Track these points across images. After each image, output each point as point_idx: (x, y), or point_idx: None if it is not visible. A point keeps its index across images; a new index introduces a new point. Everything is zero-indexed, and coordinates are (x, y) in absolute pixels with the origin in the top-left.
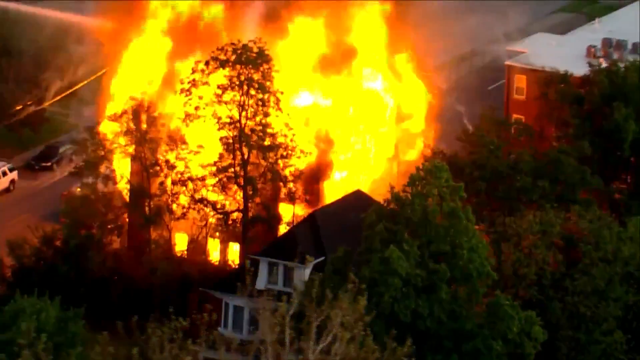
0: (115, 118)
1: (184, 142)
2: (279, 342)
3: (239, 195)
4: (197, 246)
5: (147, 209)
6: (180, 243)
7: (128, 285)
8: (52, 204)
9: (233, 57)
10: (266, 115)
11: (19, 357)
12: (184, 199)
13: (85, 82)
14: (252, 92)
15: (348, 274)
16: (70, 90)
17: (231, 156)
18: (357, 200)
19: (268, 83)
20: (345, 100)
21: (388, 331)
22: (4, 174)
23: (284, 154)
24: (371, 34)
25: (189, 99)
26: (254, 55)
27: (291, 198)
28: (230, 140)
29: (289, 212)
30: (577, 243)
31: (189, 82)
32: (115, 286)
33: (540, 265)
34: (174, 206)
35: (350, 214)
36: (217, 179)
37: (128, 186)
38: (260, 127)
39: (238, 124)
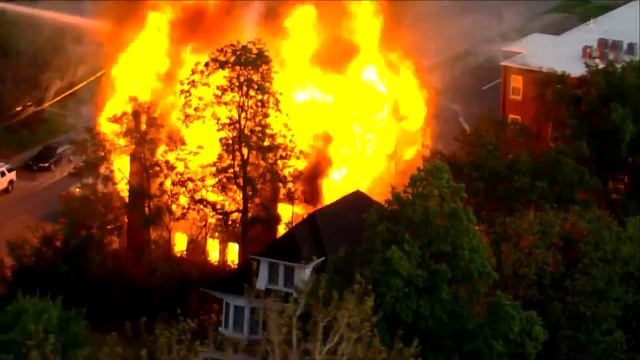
0: (115, 119)
1: (184, 143)
2: (285, 342)
3: (239, 195)
4: (196, 246)
5: (146, 209)
6: (180, 243)
7: (128, 285)
8: (50, 204)
9: (232, 59)
10: (265, 116)
11: (27, 357)
12: (183, 200)
13: (85, 82)
14: (252, 93)
15: (351, 275)
16: (70, 91)
17: (231, 157)
18: (356, 201)
19: (267, 84)
20: (344, 97)
21: (390, 331)
22: (2, 174)
23: (283, 154)
24: (367, 32)
25: (189, 100)
26: (254, 56)
27: (290, 198)
28: (230, 141)
29: (288, 212)
30: (577, 243)
31: (188, 83)
32: (115, 286)
33: (540, 265)
34: (174, 207)
35: (349, 214)
36: (216, 179)
37: (127, 187)
38: (260, 128)
39: (237, 125)
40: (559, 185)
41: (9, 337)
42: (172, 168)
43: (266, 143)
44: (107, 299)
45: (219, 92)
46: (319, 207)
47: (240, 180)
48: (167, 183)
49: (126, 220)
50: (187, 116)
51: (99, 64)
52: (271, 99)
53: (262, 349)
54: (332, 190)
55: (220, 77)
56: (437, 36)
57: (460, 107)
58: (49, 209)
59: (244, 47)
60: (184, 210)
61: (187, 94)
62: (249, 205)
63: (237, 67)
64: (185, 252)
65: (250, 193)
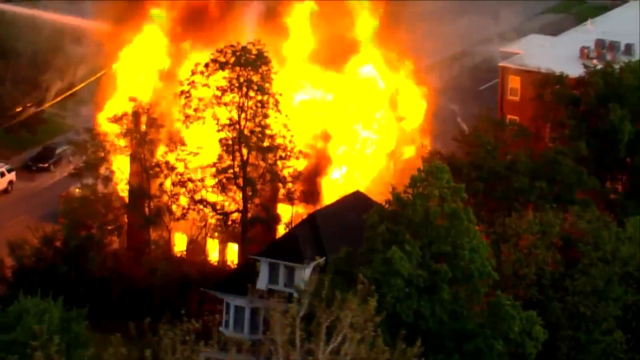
0: (115, 119)
1: (184, 144)
2: (289, 343)
3: (239, 196)
4: (196, 246)
5: (146, 209)
6: (180, 243)
7: (128, 285)
8: (50, 204)
9: (232, 59)
10: (265, 116)
11: (31, 358)
12: (183, 200)
13: (84, 84)
14: (252, 93)
15: (352, 275)
16: (69, 92)
17: (231, 157)
18: (356, 201)
19: (267, 85)
20: (342, 96)
21: (390, 331)
22: (2, 175)
23: (283, 155)
24: (365, 31)
25: (189, 101)
26: (253, 57)
27: (290, 199)
28: (230, 142)
29: (287, 213)
30: (576, 243)
31: (188, 84)
32: (115, 286)
33: (540, 265)
34: (174, 207)
35: (349, 215)
36: (216, 179)
37: (127, 187)
38: (260, 129)
39: (237, 126)
40: (557, 186)
41: (11, 337)
42: (172, 168)
43: (266, 144)
44: (107, 299)
45: (218, 93)
46: (318, 206)
47: (240, 181)
48: (167, 183)
49: (126, 220)
50: (187, 117)
51: (98, 65)
52: (271, 100)
53: (266, 349)
54: (332, 189)
55: (220, 77)
56: (434, 36)
57: (458, 107)
58: (48, 210)
59: (243, 48)
60: (184, 211)
61: (187, 94)
62: (248, 205)
63: (237, 68)
64: (185, 252)
65: (250, 193)
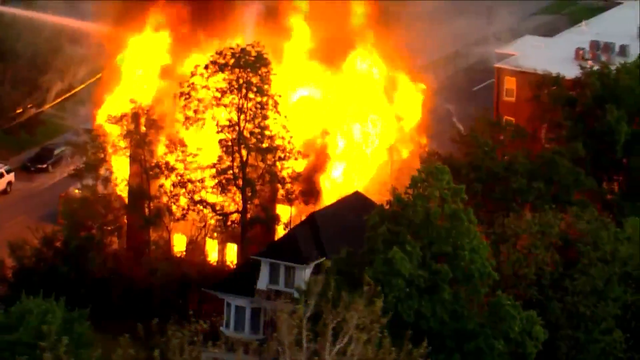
0: (115, 121)
1: (184, 145)
2: (296, 343)
3: (238, 196)
4: (195, 247)
5: (146, 210)
6: (179, 244)
7: (128, 285)
8: (49, 205)
9: (232, 61)
10: (264, 118)
11: (40, 359)
12: (183, 201)
13: (83, 85)
14: (251, 95)
15: (353, 275)
16: (69, 94)
17: (230, 158)
18: (356, 202)
19: (266, 86)
20: (340, 96)
21: (392, 331)
22: (1, 175)
23: (282, 156)
24: (362, 31)
25: (188, 102)
26: (252, 59)
27: (289, 199)
28: (229, 143)
29: (286, 213)
30: (576, 244)
31: (188, 86)
32: (115, 287)
33: (540, 265)
34: (174, 207)
35: (349, 215)
36: (216, 180)
37: (127, 188)
38: (259, 130)
39: (237, 127)
40: (555, 186)
41: (14, 337)
42: (172, 169)
43: (265, 145)
44: (107, 299)
45: (218, 95)
46: (317, 206)
47: (240, 182)
48: (167, 184)
49: (125, 221)
50: (187, 118)
51: (97, 66)
52: (270, 101)
53: (272, 349)
54: (330, 189)
55: (219, 79)
56: (430, 37)
57: (453, 107)
58: (47, 210)
59: (242, 50)
60: (184, 211)
61: (187, 96)
62: (248, 206)
63: (237, 70)
64: (184, 253)
65: (249, 194)
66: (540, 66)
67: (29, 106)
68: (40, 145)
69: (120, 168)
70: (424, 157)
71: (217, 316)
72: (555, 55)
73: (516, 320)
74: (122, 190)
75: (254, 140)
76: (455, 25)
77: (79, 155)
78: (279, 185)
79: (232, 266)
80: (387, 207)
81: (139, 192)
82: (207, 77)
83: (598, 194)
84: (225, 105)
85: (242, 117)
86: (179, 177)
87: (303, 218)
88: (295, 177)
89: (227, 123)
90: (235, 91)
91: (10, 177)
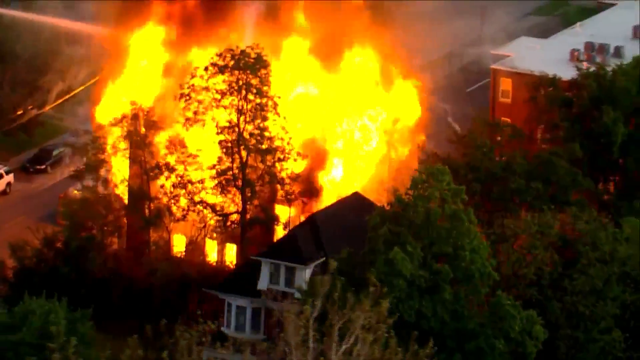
0: (116, 122)
1: (184, 146)
2: (302, 344)
3: (238, 197)
4: (195, 247)
5: (147, 211)
6: (179, 244)
7: (128, 286)
8: (48, 206)
9: (231, 63)
10: (264, 119)
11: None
12: (183, 201)
13: (83, 86)
14: (251, 97)
15: (354, 276)
16: (69, 95)
17: (230, 159)
18: (355, 202)
19: (266, 88)
20: (337, 95)
21: (393, 331)
22: (0, 176)
23: (281, 156)
24: (359, 31)
25: (189, 104)
26: (252, 60)
27: (288, 200)
28: (229, 144)
29: (285, 213)
30: (574, 244)
31: (188, 87)
32: (116, 287)
33: (539, 265)
34: (174, 208)
35: (349, 216)
36: (216, 181)
37: (127, 189)
38: (259, 131)
39: (237, 128)
40: (553, 187)
41: (18, 337)
42: (172, 170)
43: (264, 146)
44: (107, 299)
45: (218, 96)
46: (316, 206)
47: (239, 182)
48: (167, 185)
49: (125, 221)
50: (187, 119)
51: (96, 67)
52: (269, 103)
53: (279, 350)
54: (329, 188)
55: (219, 81)
56: (426, 37)
57: (449, 107)
58: (47, 211)
59: (242, 52)
60: (184, 212)
61: (187, 97)
62: (247, 206)
63: (236, 72)
64: (184, 253)
65: (249, 195)
66: (535, 67)
67: (29, 107)
68: (38, 146)
69: (120, 169)
70: (423, 158)
71: (220, 316)
72: (550, 56)
73: (516, 320)
74: (122, 191)
75: (253, 141)
76: (450, 25)
77: (80, 156)
78: (279, 186)
79: (231, 266)
80: (387, 207)
81: (139, 192)
82: (207, 79)
83: (595, 194)
84: (225, 107)
85: (242, 118)
86: (179, 178)
87: (302, 218)
88: (295, 178)
89: (227, 124)
90: (235, 93)
91: (10, 178)
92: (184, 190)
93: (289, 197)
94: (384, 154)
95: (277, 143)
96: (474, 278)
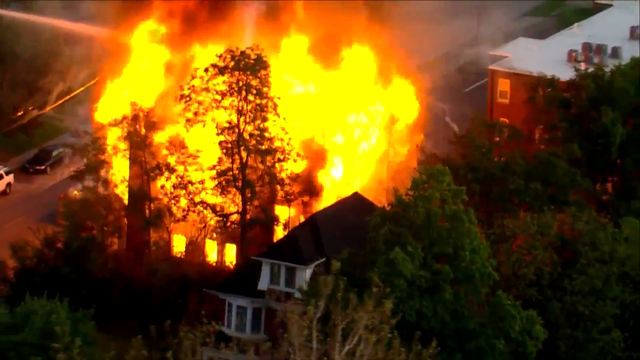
0: (116, 123)
1: (184, 147)
2: (306, 344)
3: (238, 198)
4: (195, 247)
5: (147, 211)
6: (179, 244)
7: (128, 286)
8: (48, 206)
9: (232, 64)
10: (264, 120)
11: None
12: (184, 202)
13: (83, 87)
14: (251, 97)
15: (355, 276)
16: (69, 97)
17: (230, 160)
18: (355, 203)
19: (265, 89)
20: (336, 94)
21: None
22: (0, 177)
23: (281, 157)
24: (357, 31)
25: (189, 105)
26: (252, 61)
27: (288, 200)
28: (229, 145)
29: (285, 213)
30: (574, 244)
31: (188, 89)
32: (116, 287)
33: (539, 265)
34: (174, 209)
35: (349, 216)
36: (216, 182)
37: (127, 189)
38: (259, 132)
39: (237, 129)
40: (552, 187)
41: (20, 337)
42: (172, 170)
43: (264, 146)
44: (108, 299)
45: (218, 97)
46: (315, 206)
47: (240, 183)
48: (168, 185)
49: (125, 222)
50: (187, 120)
51: (96, 67)
52: (269, 103)
53: (283, 350)
54: (328, 188)
55: (219, 82)
56: (424, 37)
57: (446, 107)
58: (46, 211)
59: (242, 53)
60: (185, 213)
61: (187, 98)
62: (247, 207)
63: (236, 73)
64: (183, 253)
65: (249, 195)
66: (533, 68)
67: (30, 108)
68: (38, 147)
69: (120, 169)
70: (422, 159)
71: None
72: (548, 57)
73: (517, 319)
74: (123, 192)
75: (253, 142)
76: (448, 26)
77: (80, 157)
78: (278, 187)
79: (231, 267)
80: (388, 208)
81: (139, 193)
82: (207, 80)
83: (593, 194)
84: (225, 108)
85: (242, 119)
86: (180, 179)
87: (302, 219)
88: (294, 179)
89: (227, 125)
90: (235, 94)
91: (10, 178)
92: (184, 191)
93: (288, 197)
94: (383, 152)
95: (277, 144)
96: (474, 278)
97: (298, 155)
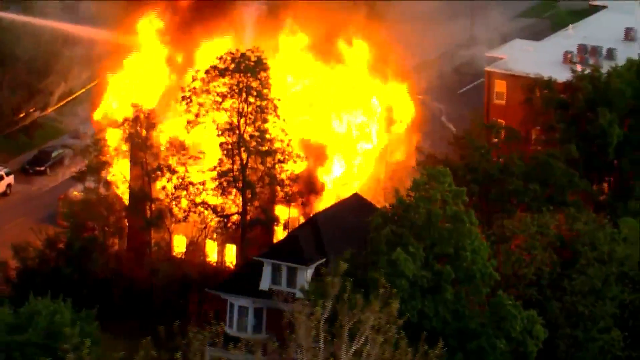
0: (117, 125)
1: (185, 148)
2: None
3: (238, 198)
4: (195, 248)
5: (148, 212)
6: (179, 245)
7: (129, 286)
8: (48, 207)
9: (232, 66)
10: (264, 121)
11: None
12: (185, 203)
13: (84, 89)
14: (251, 99)
15: (356, 276)
16: (70, 98)
17: (231, 161)
18: (355, 204)
19: (266, 90)
20: (334, 94)
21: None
22: (1, 178)
23: (281, 158)
24: (354, 31)
25: (190, 106)
26: (252, 63)
27: (288, 201)
28: (230, 146)
29: (284, 213)
30: (573, 244)
31: (189, 90)
32: (117, 287)
33: (539, 265)
34: (175, 209)
35: (349, 217)
36: (217, 183)
37: (128, 190)
38: (259, 133)
39: (237, 130)
40: (550, 188)
41: (24, 338)
42: (173, 172)
43: (265, 148)
44: (109, 299)
45: (219, 99)
46: (315, 206)
47: (240, 184)
48: (169, 186)
49: (126, 222)
50: (188, 122)
51: (96, 69)
52: (270, 105)
53: (290, 350)
54: (328, 187)
55: (220, 84)
56: (420, 38)
57: (443, 106)
58: (47, 212)
59: (242, 55)
60: (186, 213)
61: (188, 100)
62: (248, 207)
63: (237, 75)
64: (184, 254)
65: (249, 196)
66: (529, 69)
67: (31, 110)
68: (38, 148)
69: (122, 170)
70: (421, 159)
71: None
72: (543, 58)
73: (517, 319)
74: (123, 193)
75: (254, 143)
76: (445, 26)
77: (82, 158)
78: (278, 188)
79: (231, 267)
80: (389, 208)
81: (140, 194)
82: (208, 82)
83: (591, 195)
84: (225, 109)
85: (243, 120)
86: (180, 180)
87: (301, 219)
88: (294, 179)
89: (228, 126)
90: (236, 95)
91: (10, 179)
92: (185, 192)
93: (288, 198)
94: (381, 151)
95: (277, 145)
96: (475, 278)
97: (298, 156)
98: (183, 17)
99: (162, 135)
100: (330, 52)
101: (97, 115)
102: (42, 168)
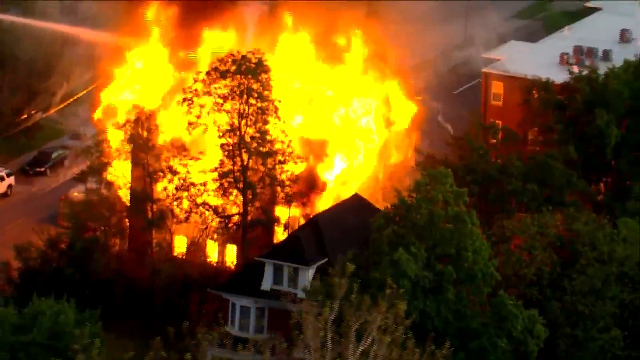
0: (119, 127)
1: (186, 149)
2: (321, 345)
3: (239, 199)
4: (196, 248)
5: (149, 212)
6: (180, 245)
7: (130, 286)
8: (48, 207)
9: (233, 68)
10: (265, 123)
11: None
12: (186, 204)
13: (85, 91)
14: (252, 101)
15: (358, 277)
16: (71, 99)
17: (231, 162)
18: (355, 204)
19: (266, 92)
20: (334, 89)
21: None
22: (2, 179)
23: (282, 159)
24: (352, 32)
25: (191, 108)
26: (253, 65)
27: (288, 201)
28: (231, 147)
29: (285, 214)
30: (573, 244)
31: (190, 92)
32: (119, 288)
33: (539, 265)
34: (177, 210)
35: (350, 218)
36: (218, 184)
37: (129, 191)
38: (260, 135)
39: (238, 132)
40: (548, 188)
41: (29, 338)
42: (174, 173)
43: (265, 149)
44: (110, 300)
45: (220, 100)
46: (315, 207)
47: (241, 185)
48: (170, 187)
49: (127, 223)
50: (189, 123)
51: (97, 70)
52: (270, 106)
53: (299, 350)
54: (328, 187)
55: (221, 85)
56: (417, 38)
57: (440, 107)
58: (47, 213)
59: (243, 57)
60: (187, 214)
61: (190, 102)
62: (248, 208)
63: (238, 76)
64: (185, 254)
65: (250, 197)
66: (526, 71)
67: (32, 112)
68: (38, 149)
69: (123, 171)
70: (420, 160)
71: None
72: (540, 60)
73: (518, 319)
74: (125, 193)
75: (254, 144)
76: (442, 27)
77: (83, 158)
78: (279, 188)
79: (232, 267)
80: (390, 208)
81: (142, 194)
82: (209, 84)
83: (589, 195)
84: (226, 111)
85: (243, 122)
86: (182, 181)
87: (302, 220)
88: (295, 180)
89: (229, 128)
90: (237, 97)
91: (11, 180)
92: (186, 193)
93: (288, 198)
94: (380, 150)
95: (277, 146)
96: (477, 278)
97: (298, 157)
98: (184, 17)
99: (163, 136)
100: (329, 50)
101: (99, 116)
102: (42, 169)
